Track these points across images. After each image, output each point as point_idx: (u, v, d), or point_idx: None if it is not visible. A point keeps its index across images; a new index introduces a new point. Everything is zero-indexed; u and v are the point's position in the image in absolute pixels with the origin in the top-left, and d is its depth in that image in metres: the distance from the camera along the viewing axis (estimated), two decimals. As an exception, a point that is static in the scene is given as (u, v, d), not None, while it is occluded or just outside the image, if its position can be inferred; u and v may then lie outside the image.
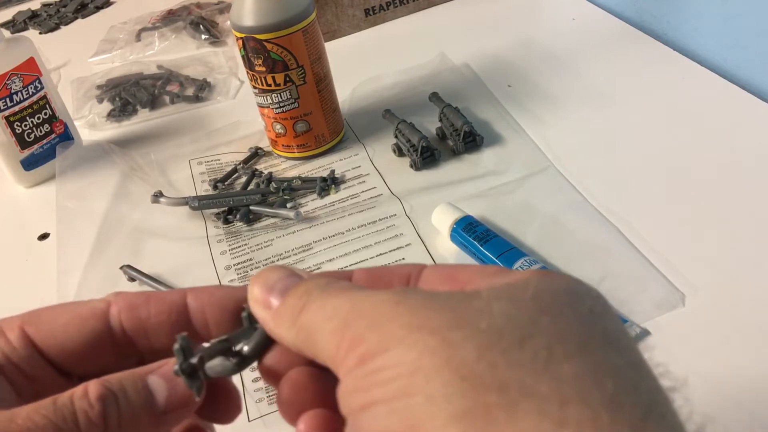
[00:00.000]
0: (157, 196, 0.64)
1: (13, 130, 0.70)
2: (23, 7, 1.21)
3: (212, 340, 0.24)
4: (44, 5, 1.20)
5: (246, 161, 0.69)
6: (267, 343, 0.24)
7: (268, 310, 0.23)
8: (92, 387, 0.22)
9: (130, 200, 0.67)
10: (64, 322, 0.25)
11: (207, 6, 1.05)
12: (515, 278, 0.21)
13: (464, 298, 0.20)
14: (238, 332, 0.25)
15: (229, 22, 0.94)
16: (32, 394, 0.24)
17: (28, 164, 0.72)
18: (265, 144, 0.70)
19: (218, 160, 0.71)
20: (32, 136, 0.71)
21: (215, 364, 0.24)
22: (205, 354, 0.23)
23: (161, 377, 0.24)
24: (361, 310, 0.20)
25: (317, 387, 0.23)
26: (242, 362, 0.24)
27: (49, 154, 0.73)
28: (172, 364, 0.23)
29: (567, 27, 0.82)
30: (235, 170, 0.68)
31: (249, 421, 0.45)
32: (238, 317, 0.26)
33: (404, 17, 0.91)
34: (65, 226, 0.65)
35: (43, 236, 0.66)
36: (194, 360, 0.23)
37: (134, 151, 0.75)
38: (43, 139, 0.72)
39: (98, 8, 1.16)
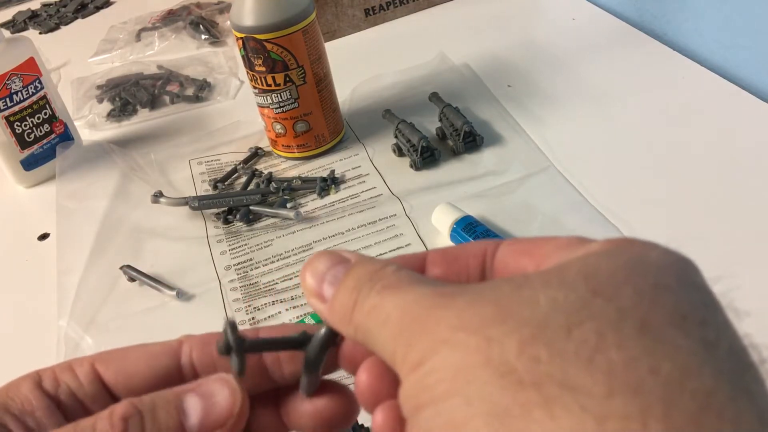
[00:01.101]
0: (157, 196, 0.64)
1: (13, 130, 0.70)
2: (23, 7, 1.21)
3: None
4: (44, 5, 1.20)
5: (246, 161, 0.69)
6: (334, 334, 0.24)
7: (323, 303, 0.23)
8: (119, 406, 0.22)
9: (130, 200, 0.67)
10: (135, 358, 0.25)
11: (207, 6, 1.05)
12: (579, 254, 0.20)
13: (514, 288, 0.19)
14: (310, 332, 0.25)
15: (229, 22, 0.94)
16: None
17: (28, 164, 0.72)
18: (265, 144, 0.70)
19: (218, 160, 0.71)
20: (32, 136, 0.71)
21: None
22: (252, 341, 0.23)
23: (197, 396, 0.23)
24: (413, 315, 0.19)
25: (394, 375, 0.22)
26: (311, 359, 0.24)
27: (49, 154, 0.73)
28: (211, 381, 0.23)
29: (567, 27, 0.82)
30: (235, 170, 0.68)
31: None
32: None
33: (404, 17, 0.91)
34: (65, 226, 0.65)
35: (43, 236, 0.66)
36: (236, 336, 0.23)
37: (134, 151, 0.75)
38: (43, 139, 0.72)
39: (98, 8, 1.16)
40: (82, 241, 0.62)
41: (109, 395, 0.25)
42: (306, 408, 0.25)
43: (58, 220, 0.66)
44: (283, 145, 0.67)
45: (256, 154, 0.70)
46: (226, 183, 0.67)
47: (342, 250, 0.24)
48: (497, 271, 0.24)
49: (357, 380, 0.23)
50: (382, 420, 0.22)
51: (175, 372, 0.25)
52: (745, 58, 0.67)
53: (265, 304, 0.53)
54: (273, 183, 0.64)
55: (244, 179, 0.67)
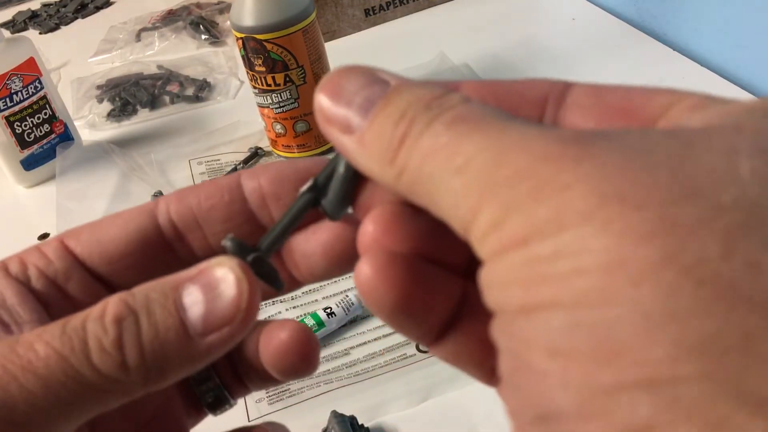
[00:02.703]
0: (157, 196, 0.64)
1: (13, 130, 0.70)
2: (23, 7, 1.21)
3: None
4: (44, 5, 1.20)
5: (246, 161, 0.69)
6: (354, 180, 0.19)
7: (348, 134, 0.17)
8: (111, 304, 0.18)
9: (129, 200, 0.67)
10: (107, 225, 0.22)
11: (207, 6, 1.05)
12: (735, 111, 0.14)
13: (684, 145, 0.13)
14: (320, 176, 0.20)
15: (229, 22, 0.94)
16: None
17: (28, 164, 0.72)
18: (265, 144, 0.70)
19: (218, 160, 0.71)
20: (32, 136, 0.71)
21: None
22: (267, 245, 0.20)
23: (199, 287, 0.18)
24: (515, 166, 0.13)
25: (408, 228, 0.18)
26: (330, 213, 0.20)
27: (49, 154, 0.73)
28: (213, 266, 0.18)
29: (567, 27, 0.82)
30: (235, 170, 0.68)
31: (249, 421, 0.45)
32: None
33: (404, 17, 0.91)
34: (65, 226, 0.65)
35: (43, 236, 0.66)
36: (251, 257, 0.19)
37: (134, 151, 0.75)
38: (43, 139, 0.72)
39: (98, 8, 1.16)
40: (82, 241, 0.62)
41: (83, 269, 0.21)
42: (312, 246, 0.21)
43: (58, 220, 0.66)
44: (283, 145, 0.67)
45: (256, 154, 0.70)
46: (226, 183, 0.67)
47: (374, 68, 0.17)
48: (576, 127, 0.17)
49: (362, 230, 0.19)
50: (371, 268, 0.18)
51: (153, 233, 0.22)
52: (746, 58, 0.67)
53: (265, 304, 0.53)
54: (273, 183, 0.64)
55: (244, 179, 0.67)
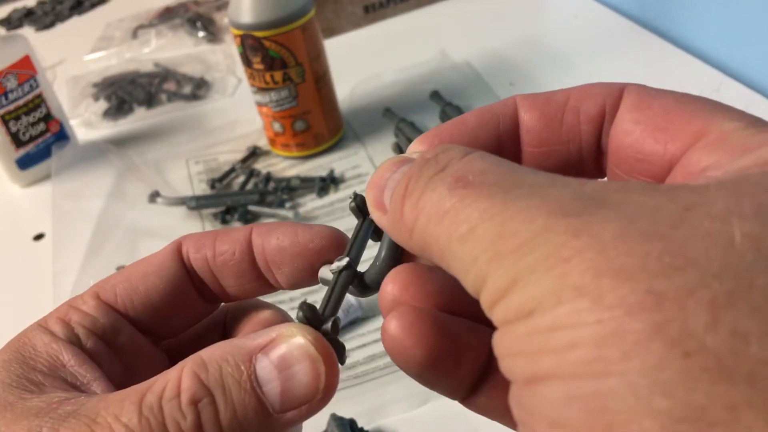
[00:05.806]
0: (154, 195, 0.63)
1: (8, 128, 0.69)
2: (19, 4, 1.20)
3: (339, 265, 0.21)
4: (40, 2, 1.19)
5: (244, 160, 0.68)
6: (399, 260, 0.21)
7: (384, 214, 0.18)
8: (185, 380, 0.18)
9: (126, 200, 0.66)
10: (142, 271, 0.22)
11: (204, 3, 1.04)
12: (756, 162, 0.14)
13: (681, 210, 0.13)
14: (353, 254, 0.21)
15: (227, 19, 0.93)
16: (122, 372, 0.22)
17: (24, 163, 0.71)
18: (263, 143, 0.70)
19: (216, 159, 0.70)
20: (27, 135, 0.71)
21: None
22: (327, 313, 0.20)
23: (272, 361, 0.18)
24: (517, 236, 0.14)
25: (424, 286, 0.19)
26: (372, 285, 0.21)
27: (44, 154, 0.72)
28: (285, 337, 0.18)
29: (569, 24, 0.81)
30: (232, 169, 0.67)
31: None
32: (304, 261, 0.22)
33: (404, 14, 0.90)
34: (61, 226, 0.64)
35: (39, 236, 0.65)
36: (328, 326, 0.20)
37: (131, 150, 0.74)
38: (39, 138, 0.72)
39: (94, 5, 1.15)
40: (78, 241, 0.61)
41: (127, 322, 0.22)
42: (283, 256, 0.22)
43: (53, 220, 0.65)
44: (281, 144, 0.67)
45: (254, 153, 0.69)
46: (223, 182, 0.66)
47: (412, 153, 0.19)
48: (615, 144, 0.18)
49: (382, 291, 0.20)
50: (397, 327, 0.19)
51: (183, 277, 0.22)
52: (750, 56, 0.66)
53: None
54: (271, 182, 0.64)
55: (241, 179, 0.66)
